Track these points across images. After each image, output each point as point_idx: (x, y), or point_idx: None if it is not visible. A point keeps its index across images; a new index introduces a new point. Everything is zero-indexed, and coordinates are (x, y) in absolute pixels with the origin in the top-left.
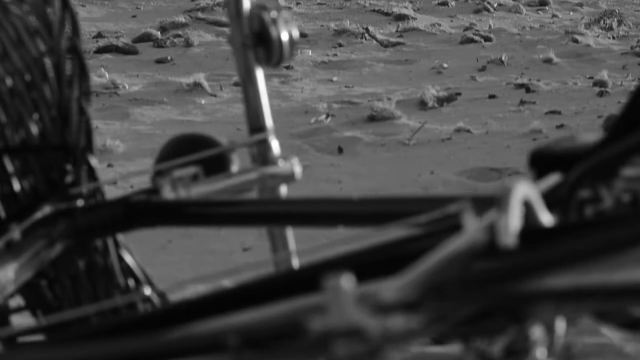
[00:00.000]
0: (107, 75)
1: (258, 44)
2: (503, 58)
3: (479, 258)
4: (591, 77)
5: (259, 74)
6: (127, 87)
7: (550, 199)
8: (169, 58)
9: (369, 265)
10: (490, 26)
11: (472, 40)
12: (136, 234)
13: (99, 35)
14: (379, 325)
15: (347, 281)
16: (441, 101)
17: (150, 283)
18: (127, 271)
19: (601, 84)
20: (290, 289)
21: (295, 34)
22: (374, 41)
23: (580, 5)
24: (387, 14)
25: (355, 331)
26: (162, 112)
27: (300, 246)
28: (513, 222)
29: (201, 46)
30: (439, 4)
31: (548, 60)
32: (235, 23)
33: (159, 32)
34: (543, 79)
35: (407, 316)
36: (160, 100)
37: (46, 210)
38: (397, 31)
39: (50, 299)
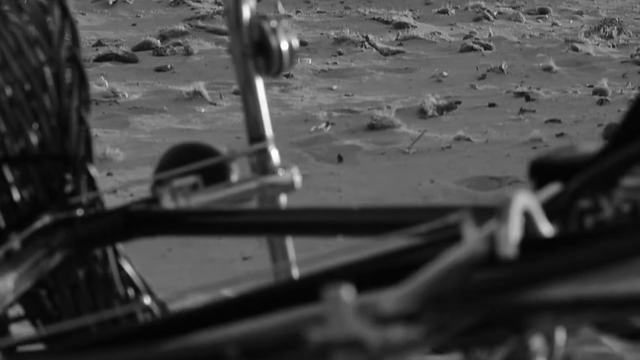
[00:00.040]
0: (106, 84)
1: (258, 53)
2: (503, 66)
3: (479, 268)
4: (591, 86)
5: (259, 83)
6: (126, 95)
7: (550, 209)
8: (168, 66)
9: (369, 275)
10: (490, 34)
11: (472, 49)
12: (136, 243)
13: (99, 44)
14: (379, 336)
15: (347, 292)
16: (441, 110)
17: (149, 292)
18: (127, 280)
19: (601, 92)
20: (290, 300)
21: (295, 43)
22: (374, 49)
23: (580, 13)
24: (387, 22)
25: (355, 342)
26: (161, 121)
27: (300, 256)
28: (513, 232)
29: (201, 54)
30: (438, 12)
31: (548, 69)
32: (235, 32)
33: (158, 41)
34: (543, 88)
35: (407, 327)
36: (160, 109)
37: (46, 219)
38: (397, 39)
39: (50, 309)
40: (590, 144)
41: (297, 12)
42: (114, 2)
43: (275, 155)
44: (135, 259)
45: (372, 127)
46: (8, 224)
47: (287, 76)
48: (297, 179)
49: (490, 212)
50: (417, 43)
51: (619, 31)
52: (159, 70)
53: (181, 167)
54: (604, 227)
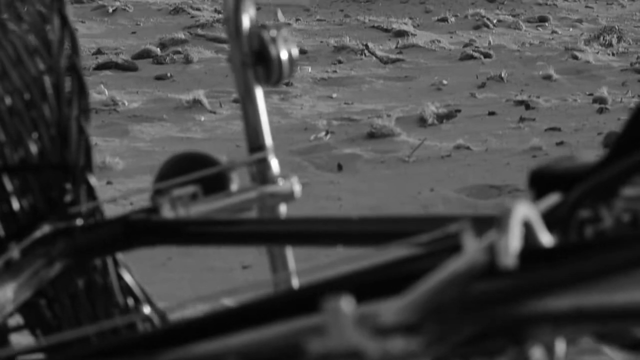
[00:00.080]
0: (106, 92)
1: (257, 62)
2: (503, 75)
3: (479, 279)
4: (591, 94)
5: (259, 92)
6: (126, 103)
7: (550, 219)
8: (168, 75)
9: (369, 285)
10: (489, 42)
11: (471, 57)
12: (136, 251)
13: (99, 52)
14: (379, 347)
15: (346, 303)
16: (441, 118)
17: (149, 302)
18: (127, 290)
19: (601, 100)
20: (290, 310)
21: (295, 52)
22: (374, 58)
23: (580, 21)
24: (386, 30)
25: (354, 353)
26: (161, 129)
27: (300, 265)
28: (513, 242)
29: (201, 63)
30: (438, 20)
31: (548, 77)
32: (234, 42)
33: (158, 49)
34: (543, 96)
35: (407, 338)
36: (160, 117)
37: (45, 229)
38: (396, 47)
39: (50, 318)
40: (591, 154)
41: (297, 20)
42: (113, 10)
43: (275, 164)
44: (135, 268)
45: (371, 136)
46: (8, 234)
47: (287, 84)
48: (297, 188)
49: (490, 222)
50: (416, 51)
51: (619, 39)
52: (158, 78)
53: (181, 176)
54: (604, 238)
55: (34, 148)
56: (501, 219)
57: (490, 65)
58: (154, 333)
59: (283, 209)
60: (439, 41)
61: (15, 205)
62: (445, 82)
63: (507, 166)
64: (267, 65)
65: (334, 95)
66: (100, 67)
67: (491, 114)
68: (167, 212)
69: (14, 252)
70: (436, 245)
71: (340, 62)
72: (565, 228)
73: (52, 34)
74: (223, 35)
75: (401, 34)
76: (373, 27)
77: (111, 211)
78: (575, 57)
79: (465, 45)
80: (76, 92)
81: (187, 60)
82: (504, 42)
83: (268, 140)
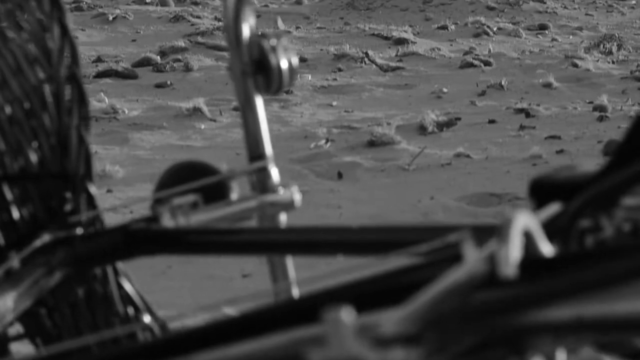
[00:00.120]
0: (106, 100)
1: (257, 71)
2: (503, 83)
3: (479, 289)
4: (591, 102)
5: (259, 101)
6: (126, 111)
7: (551, 229)
8: (168, 82)
9: (369, 295)
10: (489, 50)
11: (471, 65)
12: (136, 260)
13: (99, 60)
14: (379, 357)
15: (347, 313)
16: (441, 126)
17: (149, 311)
18: (127, 299)
19: (601, 108)
20: (290, 320)
21: (295, 61)
22: (374, 65)
23: (580, 29)
24: (386, 38)
25: None
26: (161, 137)
27: (301, 274)
28: (513, 252)
29: (201, 70)
30: (438, 28)
31: (548, 85)
32: (234, 51)
33: (158, 57)
34: (543, 104)
35: (408, 349)
36: (160, 125)
37: (45, 238)
38: (396, 55)
39: (50, 327)
40: (591, 163)
41: (297, 27)
42: (113, 18)
43: (275, 173)
44: (135, 276)
45: (372, 144)
46: (7, 243)
47: (287, 92)
48: (297, 197)
49: (490, 232)
50: (416, 59)
51: (619, 47)
52: (158, 86)
53: (181, 185)
54: (605, 247)
55: (33, 157)
56: (501, 229)
57: (491, 73)
58: (154, 342)
59: (283, 217)
60: (439, 49)
61: (15, 214)
62: (445, 90)
63: (507, 174)
64: (267, 75)
65: (334, 103)
66: (100, 75)
67: (491, 122)
68: (167, 221)
69: (14, 261)
70: (436, 255)
71: (340, 70)
72: (565, 238)
73: (52, 43)
74: (223, 43)
75: (401, 41)
76: (373, 34)
77: (111, 219)
78: (576, 65)
79: (466, 53)
80: (76, 100)
81: (187, 68)
82: (504, 50)
83: (268, 148)
